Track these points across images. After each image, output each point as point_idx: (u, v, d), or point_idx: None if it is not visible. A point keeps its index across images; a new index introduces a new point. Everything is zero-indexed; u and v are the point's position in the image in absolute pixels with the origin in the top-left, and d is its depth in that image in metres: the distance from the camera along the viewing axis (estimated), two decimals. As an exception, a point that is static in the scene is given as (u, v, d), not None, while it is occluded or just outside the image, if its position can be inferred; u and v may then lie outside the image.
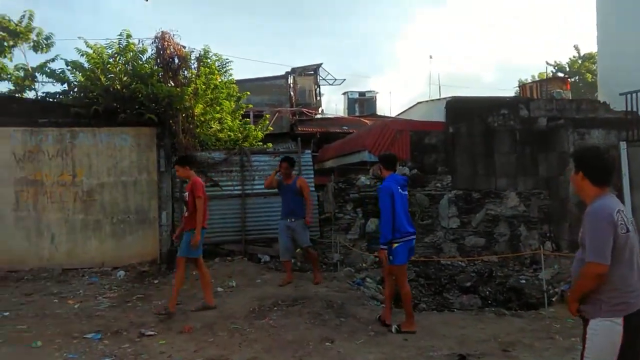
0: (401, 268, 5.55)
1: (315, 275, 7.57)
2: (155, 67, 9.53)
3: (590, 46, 31.36)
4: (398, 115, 21.20)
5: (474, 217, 9.83)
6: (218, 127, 10.95)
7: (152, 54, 9.77)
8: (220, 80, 10.96)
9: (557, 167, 9.59)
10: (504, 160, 10.12)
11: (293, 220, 7.37)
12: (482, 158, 10.17)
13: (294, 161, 7.77)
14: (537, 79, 26.56)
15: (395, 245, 5.38)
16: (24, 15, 10.20)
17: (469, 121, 10.25)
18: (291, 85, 22.75)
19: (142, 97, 9.05)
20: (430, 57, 53.10)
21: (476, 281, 8.77)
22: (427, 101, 15.04)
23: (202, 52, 10.60)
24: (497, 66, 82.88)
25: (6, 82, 9.89)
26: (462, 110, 10.40)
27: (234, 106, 11.62)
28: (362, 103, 27.90)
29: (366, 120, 18.93)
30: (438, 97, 18.81)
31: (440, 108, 10.91)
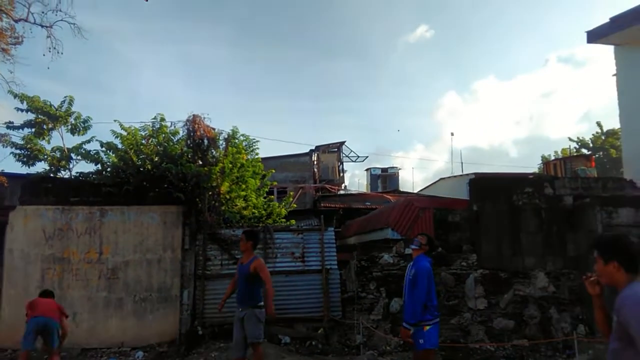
0: (433, 353, 5.33)
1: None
2: (186, 148, 9.96)
3: (613, 122, 31.49)
4: (421, 191, 21.21)
5: (502, 297, 9.50)
6: (243, 205, 11.15)
7: (183, 135, 10.25)
8: (246, 159, 11.32)
9: (585, 246, 9.33)
10: (530, 239, 9.92)
11: (241, 310, 5.99)
12: (507, 237, 9.99)
13: (254, 236, 6.44)
14: (560, 155, 26.54)
15: (428, 327, 5.20)
16: (64, 101, 10.92)
17: (494, 199, 10.20)
18: (315, 162, 23.25)
19: (171, 176, 9.37)
20: (452, 134, 53.67)
21: (507, 368, 8.30)
22: (449, 177, 15.13)
23: (231, 133, 11.06)
24: (519, 140, 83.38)
25: (42, 162, 10.41)
26: (485, 188, 10.39)
27: (258, 184, 11.88)
28: (384, 179, 28.18)
29: (389, 197, 19.00)
30: (461, 174, 18.92)
31: (463, 184, 10.93)
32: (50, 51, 13.17)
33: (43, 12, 13.58)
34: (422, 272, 5.27)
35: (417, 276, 5.31)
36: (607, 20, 11.38)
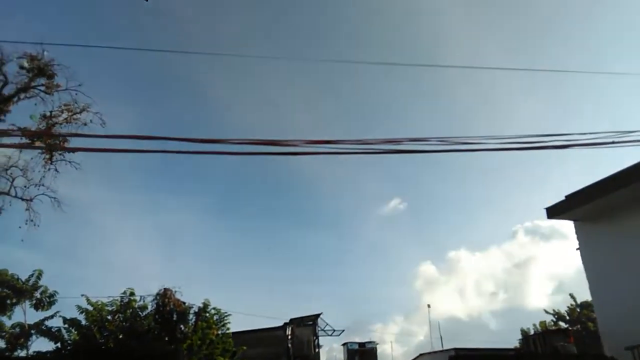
0: None
1: None
2: (154, 324, 9.54)
3: (585, 294, 31.77)
4: (401, 368, 20.09)
5: None
6: (211, 386, 10.31)
7: (152, 310, 9.89)
8: (217, 334, 10.81)
9: None
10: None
11: None
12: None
13: None
14: (539, 328, 26.18)
15: None
16: (32, 274, 10.67)
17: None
18: (289, 336, 22.22)
19: (136, 355, 8.79)
20: (429, 306, 52.68)
21: None
22: (430, 353, 14.53)
23: (202, 306, 10.74)
24: (497, 312, 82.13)
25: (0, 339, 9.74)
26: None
27: (229, 362, 11.16)
28: (362, 354, 26.75)
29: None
30: (441, 348, 18.22)
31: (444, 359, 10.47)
32: (27, 223, 13.32)
33: (25, 186, 14.07)
34: None
35: None
36: (562, 197, 12.21)
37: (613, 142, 6.06)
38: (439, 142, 6.44)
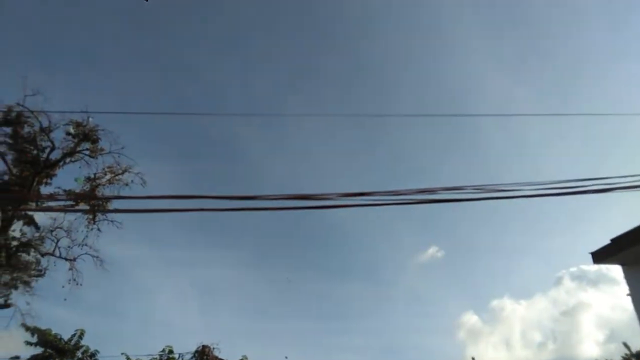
0: None
1: None
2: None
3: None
4: None
5: None
6: None
7: (190, 369, 9.82)
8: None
9: None
10: None
11: None
12: None
13: None
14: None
15: None
16: (74, 334, 10.84)
17: None
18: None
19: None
20: (473, 358, 49.75)
21: None
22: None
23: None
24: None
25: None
26: None
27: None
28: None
29: None
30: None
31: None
32: (69, 282, 13.68)
33: (69, 246, 14.55)
34: None
35: None
36: (608, 240, 11.71)
37: (656, 184, 5.87)
38: (474, 190, 6.40)
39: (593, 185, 5.95)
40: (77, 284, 13.37)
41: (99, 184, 13.55)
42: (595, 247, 11.97)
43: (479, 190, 6.39)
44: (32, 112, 12.72)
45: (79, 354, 10.47)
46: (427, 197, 6.64)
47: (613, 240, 11.73)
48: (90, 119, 13.26)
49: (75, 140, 13.42)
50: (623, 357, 26.91)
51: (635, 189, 5.85)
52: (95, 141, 13.43)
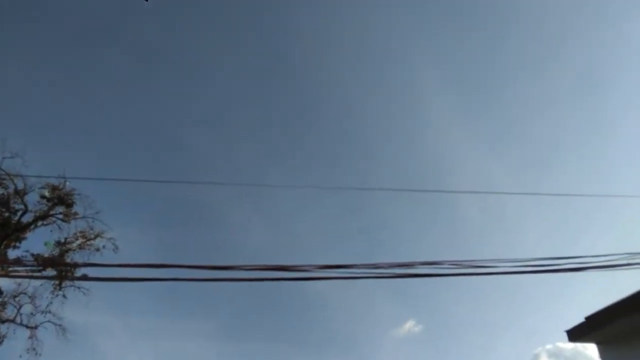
0: None
1: None
2: None
3: None
4: None
5: None
6: None
7: None
8: None
9: None
10: None
11: None
12: None
13: None
14: None
15: None
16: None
17: None
18: None
19: None
20: None
21: None
22: None
23: None
24: None
25: None
26: None
27: None
28: None
29: None
30: None
31: None
32: (28, 352, 12.92)
33: (32, 313, 13.85)
34: None
35: None
36: (582, 318, 11.73)
37: (628, 264, 6.03)
38: (452, 266, 6.45)
39: (567, 264, 6.07)
40: (36, 354, 12.68)
41: (69, 249, 13.18)
42: (571, 324, 11.96)
43: (456, 266, 6.44)
44: (8, 174, 12.57)
45: None
46: (406, 271, 6.65)
47: (587, 319, 11.76)
48: (67, 183, 13.13)
49: (50, 203, 13.20)
50: None
51: (607, 269, 5.98)
52: (69, 205, 13.22)
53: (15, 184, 12.90)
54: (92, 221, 13.17)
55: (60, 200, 13.01)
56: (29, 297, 13.27)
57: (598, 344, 12.05)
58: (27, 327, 13.12)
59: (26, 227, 12.97)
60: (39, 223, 13.20)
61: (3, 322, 13.55)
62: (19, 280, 12.99)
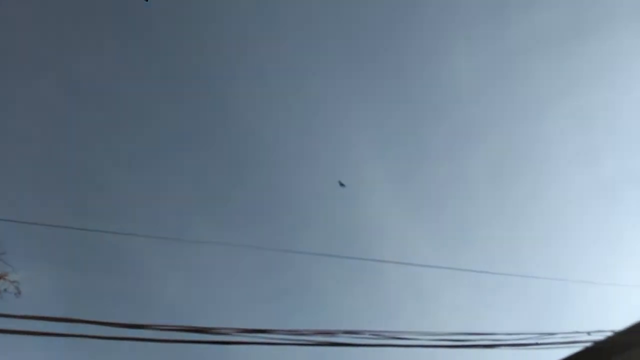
0: None
1: None
2: None
3: None
4: None
5: None
6: None
7: None
8: None
9: None
10: None
11: None
12: None
13: None
14: None
15: None
16: None
17: None
18: None
19: None
20: None
21: None
22: None
23: None
24: None
25: None
26: None
27: None
28: None
29: None
30: None
31: None
32: None
33: None
34: None
35: None
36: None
37: (537, 344, 6.29)
38: (372, 336, 6.43)
39: (481, 340, 6.22)
40: None
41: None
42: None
43: (376, 336, 6.43)
44: None
45: None
46: (326, 339, 6.54)
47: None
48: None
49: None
50: None
51: (518, 347, 6.20)
52: (-29, 245, 12.12)
53: None
54: (-4, 262, 12.09)
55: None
56: None
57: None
58: None
59: None
60: None
61: None
62: None
